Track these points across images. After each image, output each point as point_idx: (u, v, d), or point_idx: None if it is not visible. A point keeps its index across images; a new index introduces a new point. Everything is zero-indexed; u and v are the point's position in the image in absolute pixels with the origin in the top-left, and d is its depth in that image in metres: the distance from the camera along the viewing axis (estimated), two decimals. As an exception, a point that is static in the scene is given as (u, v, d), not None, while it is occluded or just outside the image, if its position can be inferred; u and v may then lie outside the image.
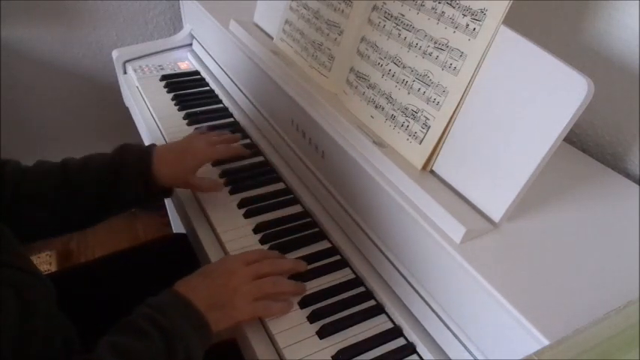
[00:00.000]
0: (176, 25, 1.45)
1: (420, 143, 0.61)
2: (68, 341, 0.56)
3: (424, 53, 0.61)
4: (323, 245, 0.73)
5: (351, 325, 0.61)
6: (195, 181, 0.76)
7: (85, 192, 0.68)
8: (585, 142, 0.77)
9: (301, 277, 0.67)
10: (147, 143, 1.05)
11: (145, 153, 0.72)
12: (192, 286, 0.59)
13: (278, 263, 0.67)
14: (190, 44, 1.23)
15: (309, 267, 0.69)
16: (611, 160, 0.73)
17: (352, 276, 0.68)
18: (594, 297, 0.47)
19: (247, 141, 0.94)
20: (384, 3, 0.66)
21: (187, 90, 1.10)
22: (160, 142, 0.96)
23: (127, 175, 0.70)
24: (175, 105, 1.05)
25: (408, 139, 0.62)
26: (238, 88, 1.01)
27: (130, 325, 0.54)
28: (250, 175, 0.85)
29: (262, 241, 0.72)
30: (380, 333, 0.61)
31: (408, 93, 0.62)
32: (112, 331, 0.53)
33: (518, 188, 0.51)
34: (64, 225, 0.70)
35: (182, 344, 0.53)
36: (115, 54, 1.18)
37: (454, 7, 0.57)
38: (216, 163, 0.85)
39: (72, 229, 0.72)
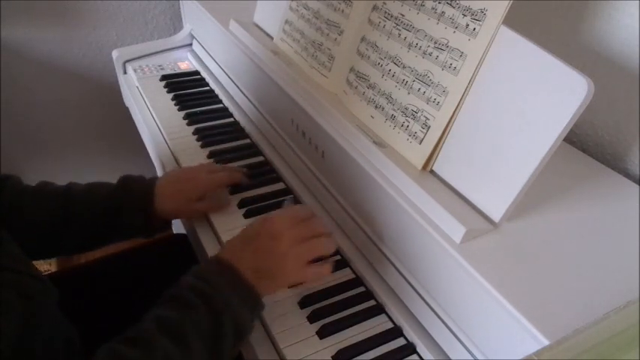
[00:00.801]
0: (176, 25, 1.45)
1: (420, 143, 0.61)
2: (69, 342, 0.56)
3: (424, 53, 0.61)
4: (323, 245, 0.73)
5: (351, 325, 0.61)
6: (202, 206, 0.76)
7: (83, 225, 0.68)
8: (585, 142, 0.77)
9: None
10: (147, 143, 1.06)
11: (148, 187, 0.72)
12: (237, 253, 0.56)
13: (320, 224, 0.63)
14: (190, 44, 1.23)
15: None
16: (611, 160, 0.73)
17: (352, 276, 0.68)
18: (594, 297, 0.47)
19: (247, 141, 0.94)
20: (384, 3, 0.66)
21: (187, 90, 1.10)
22: (160, 142, 0.96)
23: (128, 212, 0.69)
24: (175, 105, 1.05)
25: (408, 139, 0.62)
26: (238, 88, 1.01)
27: (176, 297, 0.52)
28: (250, 175, 0.85)
29: (262, 241, 0.72)
30: (380, 333, 0.61)
31: (408, 93, 0.62)
32: (157, 304, 0.52)
33: (518, 188, 0.51)
34: (57, 250, 0.70)
35: (230, 316, 0.51)
36: (115, 54, 1.18)
37: (454, 7, 0.57)
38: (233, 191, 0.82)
39: (64, 255, 0.73)
